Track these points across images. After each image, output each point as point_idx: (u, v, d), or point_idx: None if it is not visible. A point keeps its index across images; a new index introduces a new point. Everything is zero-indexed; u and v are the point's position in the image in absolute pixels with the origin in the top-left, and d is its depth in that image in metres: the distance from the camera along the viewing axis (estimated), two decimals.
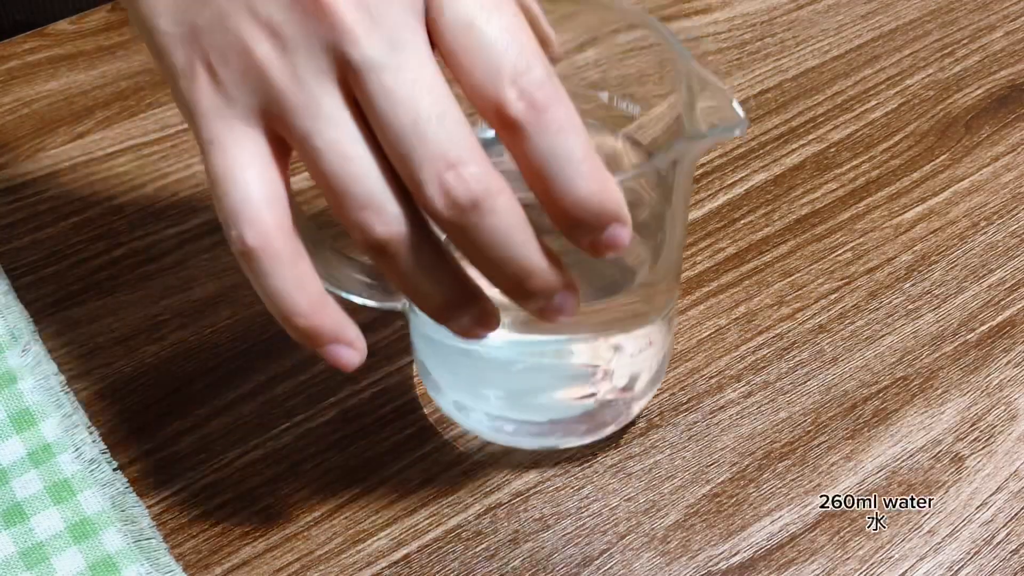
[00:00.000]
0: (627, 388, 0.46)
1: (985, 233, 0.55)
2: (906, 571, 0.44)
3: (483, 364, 0.44)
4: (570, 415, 0.46)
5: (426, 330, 0.45)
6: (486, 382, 0.45)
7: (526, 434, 0.46)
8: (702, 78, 0.39)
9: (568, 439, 0.46)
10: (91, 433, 0.47)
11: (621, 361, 0.45)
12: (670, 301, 0.45)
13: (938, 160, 0.58)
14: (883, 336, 0.51)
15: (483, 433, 0.47)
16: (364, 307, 0.48)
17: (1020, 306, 0.52)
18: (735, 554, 0.45)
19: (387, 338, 0.51)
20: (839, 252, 0.54)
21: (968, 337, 0.51)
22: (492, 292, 0.45)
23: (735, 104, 0.38)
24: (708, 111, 0.39)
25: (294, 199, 0.46)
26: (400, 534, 0.45)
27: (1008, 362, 0.50)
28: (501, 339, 0.43)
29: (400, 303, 0.47)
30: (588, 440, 0.47)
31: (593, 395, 0.45)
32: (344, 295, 0.47)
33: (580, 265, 0.43)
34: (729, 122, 0.38)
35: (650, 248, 0.43)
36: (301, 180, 0.57)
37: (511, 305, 0.44)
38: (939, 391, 0.49)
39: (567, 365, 0.45)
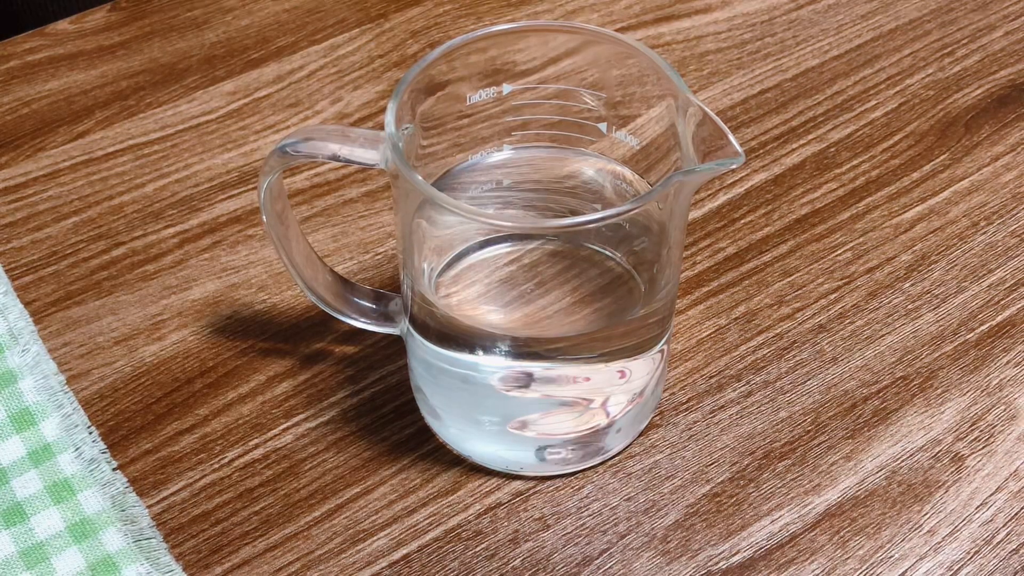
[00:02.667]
0: (620, 416, 0.46)
1: (985, 233, 0.55)
2: (906, 571, 0.44)
3: (479, 390, 0.44)
4: (562, 442, 0.46)
5: (424, 355, 0.45)
6: (482, 408, 0.45)
7: (521, 461, 0.46)
8: (701, 111, 0.40)
9: (560, 467, 0.46)
10: (91, 433, 0.47)
11: (615, 390, 0.45)
12: (666, 330, 0.45)
13: (938, 160, 0.58)
14: (883, 336, 0.51)
15: (474, 457, 0.47)
16: (364, 329, 0.48)
17: (1020, 306, 0.52)
18: (735, 554, 0.45)
19: (387, 338, 0.51)
20: (839, 252, 0.54)
21: (968, 337, 0.51)
22: (493, 318, 0.45)
23: (731, 138, 0.39)
24: (705, 143, 0.39)
25: (296, 224, 0.46)
26: (400, 534, 0.45)
27: (1008, 362, 0.50)
28: (498, 365, 0.43)
29: (399, 328, 0.47)
30: (581, 467, 0.47)
31: (587, 422, 0.45)
32: (345, 319, 0.47)
33: (578, 291, 0.44)
34: (726, 155, 0.39)
35: (647, 277, 0.43)
36: (302, 180, 0.57)
37: (509, 330, 0.44)
38: (939, 391, 0.49)
39: (562, 392, 0.45)
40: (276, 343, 0.51)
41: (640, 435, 0.48)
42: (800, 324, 0.52)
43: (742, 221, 0.56)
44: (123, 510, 0.45)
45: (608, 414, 0.45)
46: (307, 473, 0.47)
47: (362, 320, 0.47)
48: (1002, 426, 0.48)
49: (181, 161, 0.58)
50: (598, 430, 0.46)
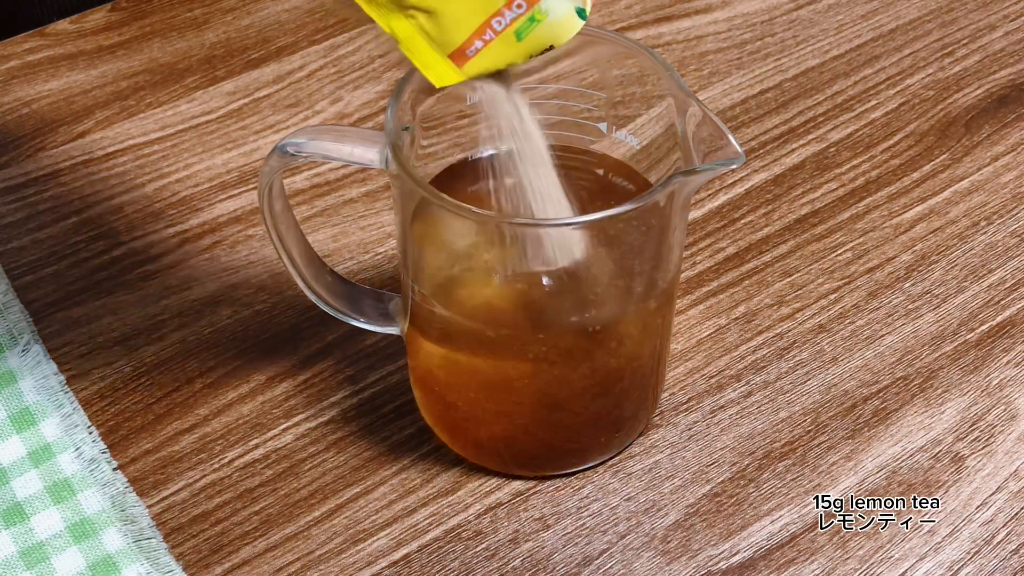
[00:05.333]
0: (620, 415, 0.46)
1: (985, 233, 0.55)
2: (906, 571, 0.44)
3: (480, 389, 0.45)
4: (562, 441, 0.46)
5: (425, 355, 0.45)
6: (482, 408, 0.45)
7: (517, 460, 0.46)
8: (701, 111, 0.40)
9: (561, 466, 0.47)
10: (91, 433, 0.47)
11: (614, 389, 0.45)
12: (665, 332, 0.45)
13: (938, 160, 0.58)
14: (883, 336, 0.51)
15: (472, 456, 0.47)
16: (364, 329, 0.48)
17: (1020, 306, 0.52)
18: (735, 554, 0.45)
19: (387, 338, 0.51)
20: (839, 252, 0.54)
21: (968, 337, 0.51)
22: (493, 318, 0.45)
23: (731, 138, 0.39)
24: (705, 143, 0.39)
25: (296, 224, 0.46)
26: (400, 534, 0.45)
27: (1008, 362, 0.50)
28: (498, 365, 0.43)
29: (399, 328, 0.47)
30: (581, 467, 0.47)
31: (587, 421, 0.45)
32: (345, 319, 0.47)
33: (578, 291, 0.44)
34: (726, 155, 0.39)
35: (647, 277, 0.43)
36: (301, 180, 0.57)
37: (509, 330, 0.44)
38: (939, 391, 0.49)
39: (562, 391, 0.45)
40: (276, 343, 0.51)
41: (640, 435, 0.48)
42: (800, 324, 0.52)
43: (742, 221, 0.56)
44: (123, 510, 0.45)
45: (608, 413, 0.45)
46: (307, 473, 0.47)
47: (362, 320, 0.47)
48: (1002, 426, 0.48)
49: (181, 161, 0.58)
50: (598, 429, 0.46)
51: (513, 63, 0.38)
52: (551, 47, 0.38)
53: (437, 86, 0.38)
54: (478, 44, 0.37)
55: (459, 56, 0.37)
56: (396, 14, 0.37)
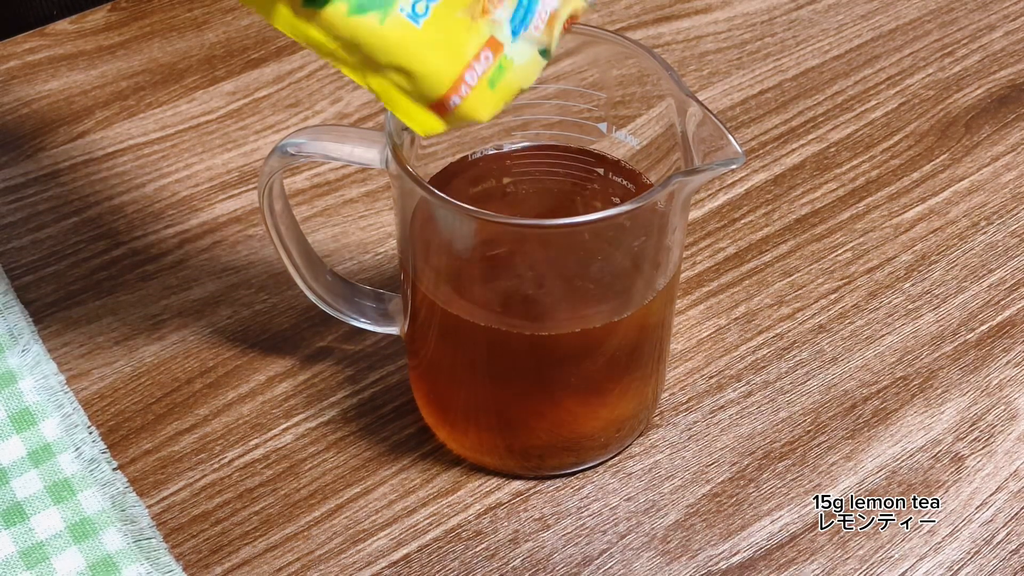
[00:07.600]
0: (620, 415, 0.46)
1: (985, 233, 0.55)
2: (906, 571, 0.44)
3: (480, 389, 0.45)
4: (562, 441, 0.46)
5: (425, 355, 0.45)
6: (482, 408, 0.45)
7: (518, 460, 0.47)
8: (701, 110, 0.40)
9: (556, 468, 0.47)
10: (91, 433, 0.47)
11: (614, 388, 0.45)
12: (665, 332, 0.45)
13: (938, 160, 0.58)
14: (883, 336, 0.51)
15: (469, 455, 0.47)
16: (364, 329, 0.48)
17: (1020, 306, 0.52)
18: (735, 554, 0.45)
19: (387, 338, 0.51)
20: (839, 252, 0.55)
21: (968, 337, 0.51)
22: (493, 317, 0.45)
23: (731, 138, 0.39)
24: (705, 143, 0.39)
25: (296, 224, 0.46)
26: (400, 534, 0.45)
27: (1008, 362, 0.50)
28: (499, 364, 0.43)
29: (399, 328, 0.47)
30: (581, 467, 0.47)
31: (587, 421, 0.45)
32: (345, 319, 0.47)
33: (578, 291, 0.44)
34: (726, 155, 0.39)
35: (647, 277, 0.43)
36: (301, 180, 0.57)
37: (510, 330, 0.44)
38: (939, 391, 0.49)
39: (562, 391, 0.45)
40: (276, 343, 0.51)
41: (640, 435, 0.48)
42: (800, 324, 0.52)
43: (742, 221, 0.56)
44: (123, 510, 0.45)
45: (608, 413, 0.45)
46: (307, 473, 0.47)
47: (362, 320, 0.47)
48: (1002, 426, 0.48)
49: (181, 161, 0.58)
50: (598, 429, 0.46)
51: (494, 111, 0.38)
52: (521, 90, 0.38)
53: (422, 135, 0.38)
54: (455, 99, 0.37)
55: (441, 108, 0.37)
56: (370, 72, 0.37)
